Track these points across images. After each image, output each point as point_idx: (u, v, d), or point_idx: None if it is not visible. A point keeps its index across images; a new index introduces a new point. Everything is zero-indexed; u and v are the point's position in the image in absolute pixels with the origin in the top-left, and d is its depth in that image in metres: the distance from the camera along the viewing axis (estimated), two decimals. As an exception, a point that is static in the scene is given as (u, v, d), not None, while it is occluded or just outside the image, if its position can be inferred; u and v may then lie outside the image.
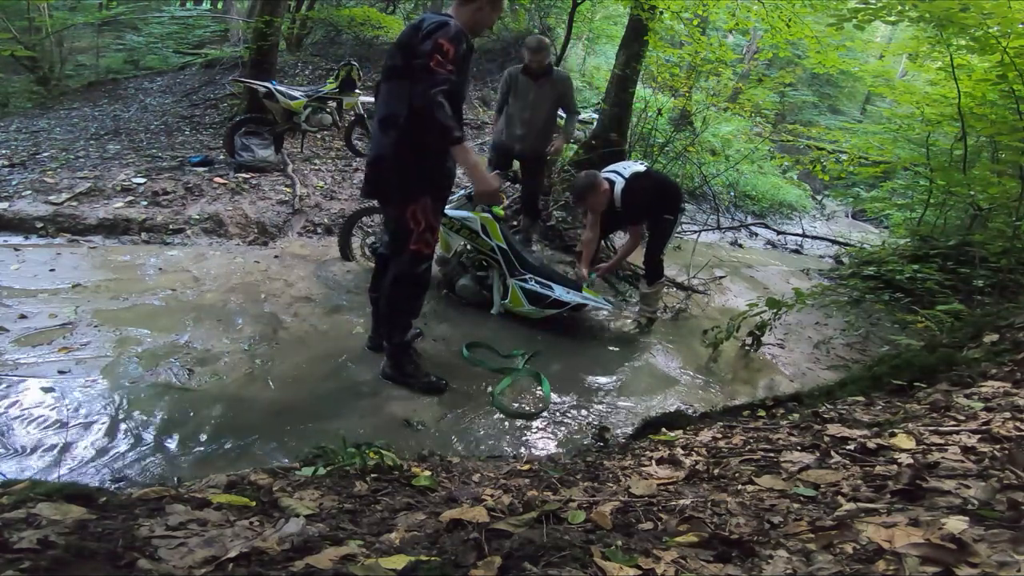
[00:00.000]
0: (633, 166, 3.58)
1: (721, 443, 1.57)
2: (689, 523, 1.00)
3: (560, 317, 3.42)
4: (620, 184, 3.45)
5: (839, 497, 1.06)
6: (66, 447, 1.92)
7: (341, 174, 5.31)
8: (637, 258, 4.19)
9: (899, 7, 3.98)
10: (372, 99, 5.94)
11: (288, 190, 4.76)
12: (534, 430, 2.46)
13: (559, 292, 3.33)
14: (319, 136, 6.17)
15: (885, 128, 7.54)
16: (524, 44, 3.96)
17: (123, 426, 2.07)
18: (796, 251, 6.97)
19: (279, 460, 1.95)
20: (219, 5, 12.14)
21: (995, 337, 2.03)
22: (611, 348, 3.38)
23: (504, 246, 3.34)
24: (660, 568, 0.82)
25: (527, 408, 2.58)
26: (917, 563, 0.76)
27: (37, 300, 2.86)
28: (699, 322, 3.88)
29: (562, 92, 3.99)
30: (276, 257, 3.86)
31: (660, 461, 1.49)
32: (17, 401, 2.11)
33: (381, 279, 2.64)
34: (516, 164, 4.29)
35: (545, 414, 2.55)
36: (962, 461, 1.12)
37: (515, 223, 4.72)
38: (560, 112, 4.17)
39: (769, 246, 7.06)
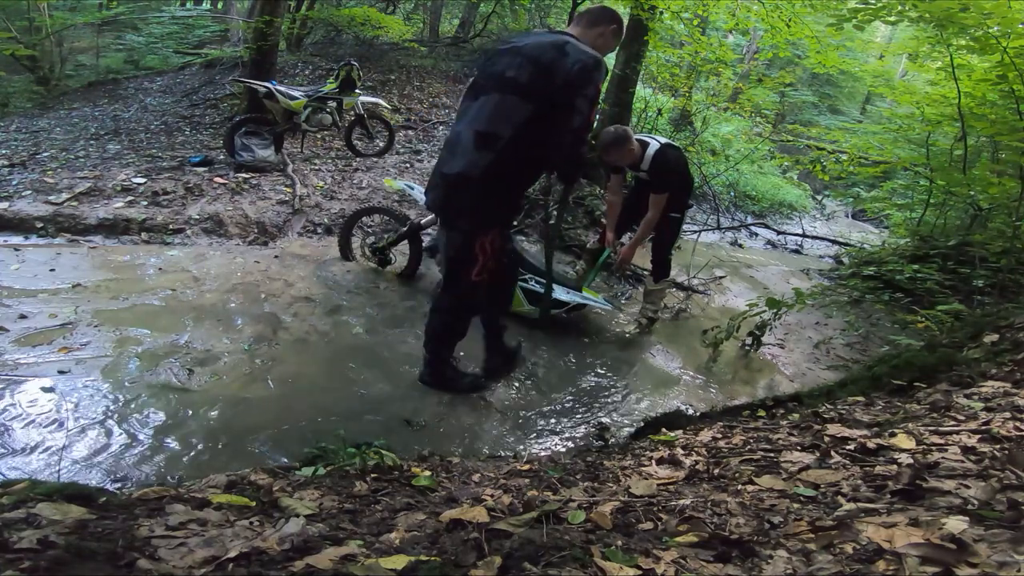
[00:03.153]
0: (667, 139, 3.47)
1: (721, 443, 1.57)
2: (689, 523, 1.00)
3: (560, 317, 3.42)
4: (654, 147, 3.29)
5: (839, 497, 1.06)
6: (66, 447, 1.92)
7: (341, 174, 5.31)
8: (639, 258, 4.19)
9: (899, 7, 3.98)
10: (372, 99, 5.97)
11: (288, 190, 4.76)
12: (534, 430, 2.46)
13: (559, 292, 3.33)
14: (319, 136, 6.18)
15: (885, 128, 7.54)
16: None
17: (123, 426, 2.07)
18: (796, 251, 6.98)
19: (279, 460, 1.95)
20: (219, 5, 12.15)
21: (995, 337, 2.03)
22: (611, 348, 3.37)
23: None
24: (660, 568, 0.82)
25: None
26: (917, 563, 0.76)
27: (37, 300, 2.86)
28: (699, 322, 3.88)
29: None
30: (276, 257, 3.86)
31: (660, 461, 1.49)
32: (17, 401, 2.10)
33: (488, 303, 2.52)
34: None
35: (549, 408, 2.56)
36: (962, 461, 1.12)
37: (514, 223, 4.72)
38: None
39: (769, 246, 7.06)
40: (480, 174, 2.06)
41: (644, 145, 3.32)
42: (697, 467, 1.37)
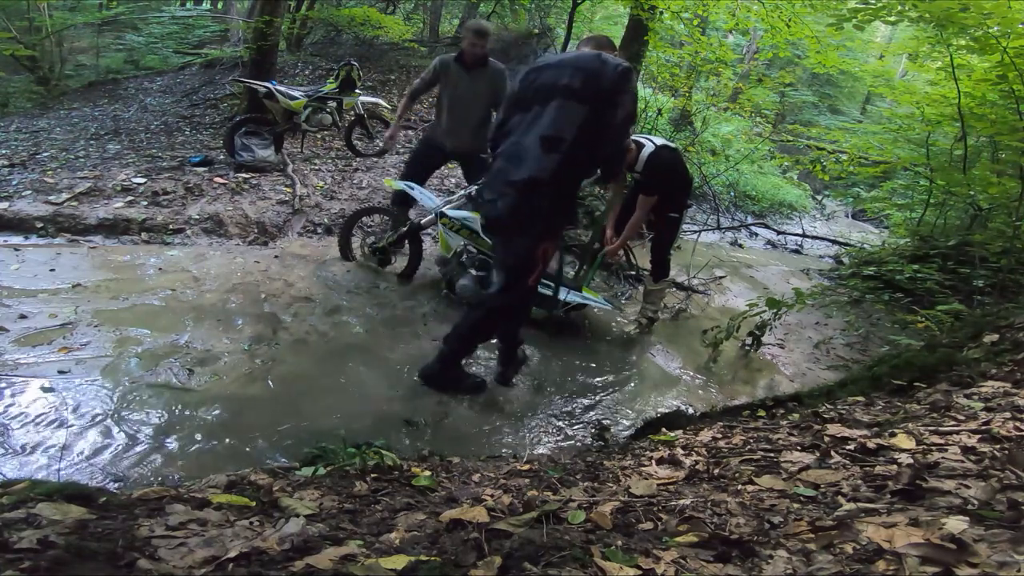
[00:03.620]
0: (664, 140, 3.51)
1: (721, 443, 1.57)
2: (689, 523, 1.00)
3: (560, 317, 3.42)
4: (649, 148, 3.35)
5: (839, 497, 1.06)
6: (66, 447, 1.92)
7: (341, 174, 5.31)
8: (639, 258, 4.19)
9: (899, 7, 3.98)
10: (372, 99, 5.97)
11: (288, 190, 4.76)
12: (534, 430, 2.46)
13: (554, 290, 3.33)
14: (319, 136, 6.18)
15: (885, 128, 7.54)
16: (464, 26, 3.72)
17: (123, 426, 2.07)
18: (796, 251, 6.97)
19: (279, 460, 1.95)
20: (219, 5, 12.15)
21: (995, 337, 2.03)
22: (611, 348, 3.37)
23: (504, 246, 3.34)
24: (660, 568, 0.82)
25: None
26: (917, 563, 0.76)
27: (37, 300, 2.86)
28: (699, 322, 3.88)
29: (498, 87, 3.59)
30: (276, 257, 3.86)
31: (660, 461, 1.49)
32: (17, 401, 2.11)
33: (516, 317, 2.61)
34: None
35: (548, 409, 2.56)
36: (962, 461, 1.12)
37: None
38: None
39: (769, 246, 7.06)
40: (549, 177, 2.16)
41: (640, 146, 3.35)
42: (697, 467, 1.37)
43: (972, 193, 4.89)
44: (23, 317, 2.67)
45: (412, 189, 3.72)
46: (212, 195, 4.46)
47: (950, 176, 5.17)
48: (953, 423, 1.36)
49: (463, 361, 2.65)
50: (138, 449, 1.97)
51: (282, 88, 5.21)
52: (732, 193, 8.02)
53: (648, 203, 3.39)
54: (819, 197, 10.17)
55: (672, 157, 3.41)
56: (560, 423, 2.53)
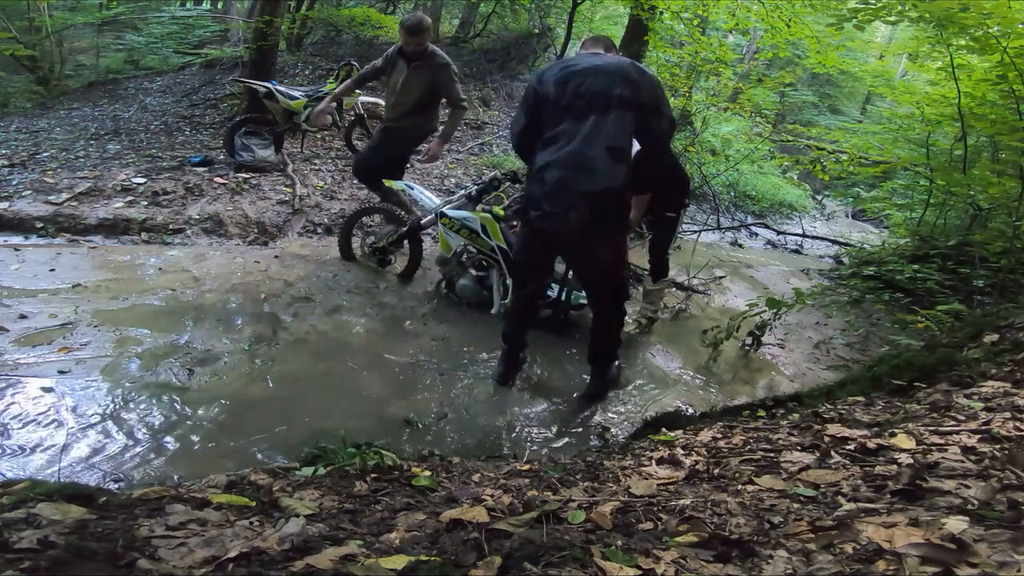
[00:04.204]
0: None
1: (721, 443, 1.57)
2: (689, 523, 1.00)
3: (561, 317, 3.42)
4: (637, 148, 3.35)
5: (839, 497, 1.06)
6: (66, 447, 1.92)
7: (341, 174, 5.31)
8: (639, 258, 4.18)
9: (899, 7, 3.97)
10: (372, 99, 5.96)
11: (288, 190, 4.76)
12: (534, 430, 2.46)
13: (559, 292, 3.33)
14: (319, 136, 6.17)
15: (885, 128, 7.54)
16: (400, 24, 3.68)
17: (123, 426, 2.07)
18: (796, 251, 6.97)
19: (279, 460, 1.95)
20: (219, 5, 12.14)
21: (995, 337, 2.03)
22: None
23: (504, 246, 3.34)
24: (660, 568, 0.82)
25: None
26: (917, 563, 0.76)
27: (37, 300, 2.86)
28: (699, 322, 3.88)
29: (439, 79, 3.63)
30: (276, 257, 3.86)
31: (660, 461, 1.49)
32: (17, 401, 2.11)
33: (527, 322, 2.71)
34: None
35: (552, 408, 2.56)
36: (962, 461, 1.12)
37: (515, 223, 4.72)
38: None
39: (769, 246, 7.06)
40: (622, 185, 2.29)
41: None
42: (697, 467, 1.37)
43: (972, 193, 4.89)
44: (23, 317, 2.67)
45: (412, 189, 3.73)
46: (212, 195, 4.46)
47: (950, 176, 5.17)
48: (953, 423, 1.36)
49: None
50: (138, 449, 1.97)
51: (282, 88, 5.21)
52: (732, 193, 8.02)
53: (642, 202, 3.41)
54: (819, 197, 10.16)
55: (666, 159, 3.41)
56: (560, 423, 2.53)
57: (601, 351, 2.68)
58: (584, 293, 3.40)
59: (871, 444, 1.28)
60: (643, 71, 2.32)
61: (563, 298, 3.26)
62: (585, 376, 2.95)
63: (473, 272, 3.51)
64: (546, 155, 2.28)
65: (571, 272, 3.15)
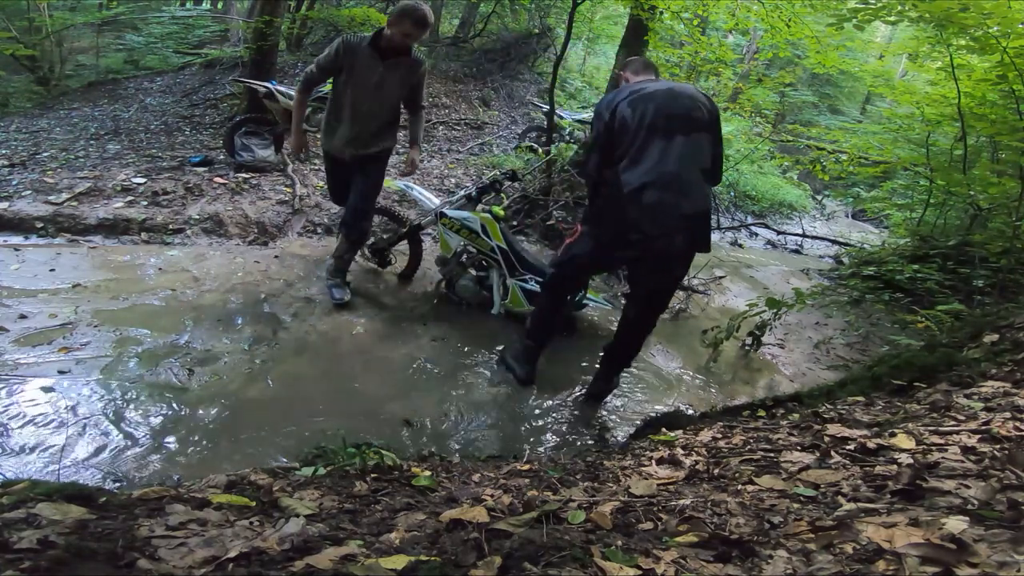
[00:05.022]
0: None
1: (721, 443, 1.57)
2: (689, 523, 1.00)
3: (568, 317, 3.42)
4: None
5: (839, 497, 1.06)
6: (66, 447, 1.92)
7: (341, 174, 5.30)
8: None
9: (899, 7, 3.97)
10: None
11: (288, 190, 4.76)
12: (534, 430, 2.46)
13: (574, 288, 3.32)
14: (319, 136, 6.16)
15: (885, 128, 7.54)
16: (402, 10, 2.83)
17: (123, 426, 2.07)
18: (796, 251, 6.97)
19: (279, 460, 1.95)
20: (219, 5, 12.14)
21: (995, 337, 2.03)
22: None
23: (504, 246, 3.34)
24: (660, 568, 0.82)
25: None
26: (917, 563, 0.76)
27: (37, 300, 2.86)
28: (699, 322, 3.88)
29: (419, 80, 3.05)
30: (276, 257, 3.86)
31: (660, 461, 1.49)
32: (17, 401, 2.11)
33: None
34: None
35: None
36: (962, 461, 1.12)
37: (515, 223, 4.72)
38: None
39: (769, 246, 7.06)
40: (710, 205, 2.40)
41: None
42: (697, 467, 1.37)
43: (972, 193, 4.88)
44: (23, 317, 2.67)
45: (411, 189, 3.73)
46: (212, 195, 4.46)
47: (950, 176, 5.17)
48: (953, 423, 1.36)
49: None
50: (138, 449, 1.97)
51: (282, 88, 5.21)
52: (732, 193, 8.01)
53: None
54: (819, 197, 10.16)
55: None
56: (560, 423, 2.53)
57: (631, 356, 2.72)
58: (583, 293, 3.41)
59: (871, 444, 1.28)
60: (708, 96, 2.40)
61: (573, 299, 3.26)
62: (585, 376, 2.95)
63: (473, 272, 3.51)
64: (638, 175, 2.24)
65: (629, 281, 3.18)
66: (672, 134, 2.26)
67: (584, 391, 2.76)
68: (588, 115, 6.86)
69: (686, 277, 4.53)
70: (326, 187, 3.46)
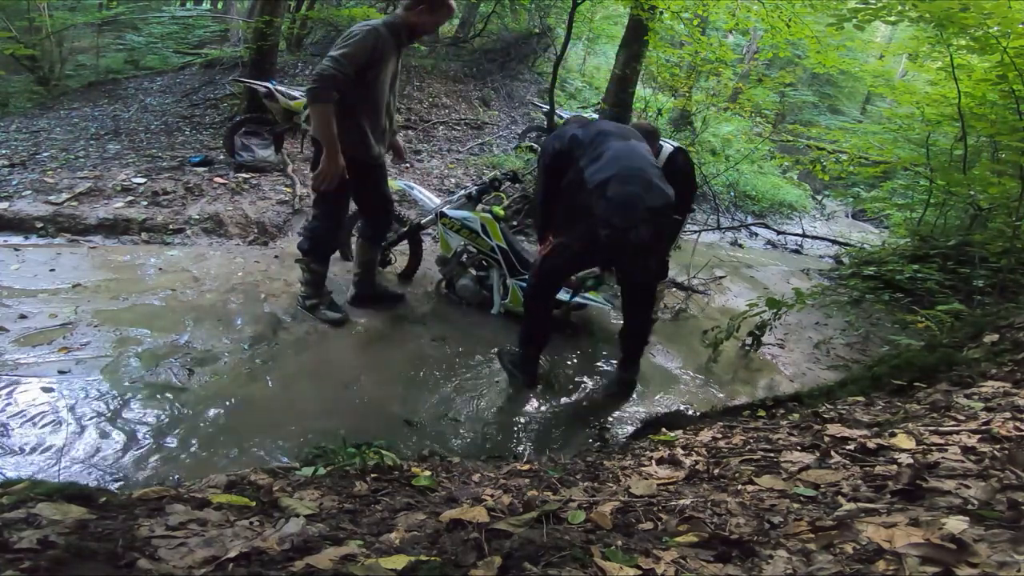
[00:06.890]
0: (676, 143, 3.53)
1: (721, 443, 1.57)
2: (689, 523, 1.00)
3: (559, 316, 3.42)
4: (668, 149, 3.33)
5: (839, 497, 1.06)
6: (66, 447, 1.92)
7: (341, 174, 5.30)
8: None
9: (899, 7, 3.97)
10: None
11: (288, 190, 4.76)
12: (534, 430, 2.46)
13: (559, 292, 3.33)
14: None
15: (885, 128, 7.54)
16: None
17: (123, 426, 2.07)
18: (796, 251, 6.97)
19: (279, 460, 1.95)
20: (219, 5, 12.14)
21: (995, 337, 2.03)
22: (610, 348, 3.37)
23: (504, 246, 3.34)
24: (660, 568, 0.82)
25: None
26: (917, 563, 0.76)
27: (37, 300, 2.86)
28: (699, 322, 3.88)
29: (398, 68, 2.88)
30: (276, 257, 3.86)
31: (660, 461, 1.49)
32: (17, 401, 2.10)
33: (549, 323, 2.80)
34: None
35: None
36: (962, 461, 1.12)
37: (515, 223, 4.72)
38: None
39: (769, 246, 7.06)
40: (672, 202, 2.43)
41: (660, 147, 3.35)
42: (697, 467, 1.37)
43: (972, 193, 4.89)
44: (23, 317, 2.67)
45: (412, 189, 3.73)
46: (212, 195, 4.46)
47: (950, 176, 5.17)
48: (953, 423, 1.36)
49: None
50: (138, 449, 1.97)
51: (282, 88, 5.20)
52: (732, 193, 8.02)
53: None
54: (819, 197, 10.16)
55: (686, 160, 3.40)
56: (560, 423, 2.53)
57: (642, 343, 2.82)
58: (583, 293, 3.41)
59: (871, 444, 1.28)
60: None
61: (569, 299, 3.26)
62: (584, 376, 2.96)
63: (473, 272, 3.51)
64: (601, 168, 2.36)
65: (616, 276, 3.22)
66: (628, 139, 2.49)
67: (607, 383, 2.90)
68: (588, 115, 6.86)
69: (686, 277, 4.56)
70: (343, 202, 3.02)
